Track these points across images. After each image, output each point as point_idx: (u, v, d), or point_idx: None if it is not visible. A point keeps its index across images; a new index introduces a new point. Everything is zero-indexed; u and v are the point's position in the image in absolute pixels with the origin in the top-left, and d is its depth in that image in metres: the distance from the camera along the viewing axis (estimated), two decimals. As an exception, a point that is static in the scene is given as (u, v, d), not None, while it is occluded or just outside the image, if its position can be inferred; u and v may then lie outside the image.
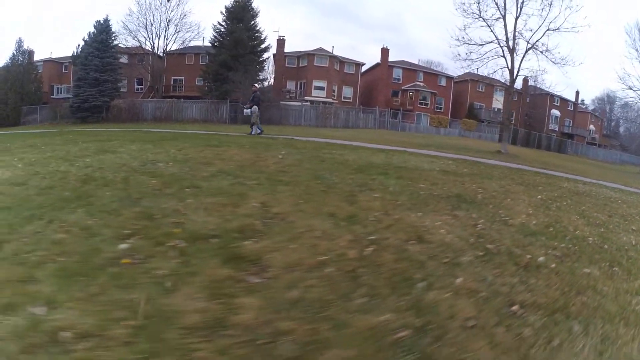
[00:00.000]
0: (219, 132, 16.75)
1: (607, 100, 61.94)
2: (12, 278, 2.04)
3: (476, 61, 18.68)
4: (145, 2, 36.82)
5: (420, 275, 2.55)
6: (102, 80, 29.49)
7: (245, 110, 17.25)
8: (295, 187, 4.61)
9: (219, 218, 3.19)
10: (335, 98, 35.33)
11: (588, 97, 67.40)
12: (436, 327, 1.98)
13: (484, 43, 18.35)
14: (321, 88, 34.37)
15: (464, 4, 18.30)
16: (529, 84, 38.25)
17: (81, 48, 35.30)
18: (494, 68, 20.17)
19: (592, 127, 52.35)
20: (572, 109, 49.85)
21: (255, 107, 16.08)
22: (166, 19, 34.65)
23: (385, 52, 37.83)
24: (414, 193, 5.05)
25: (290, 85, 34.74)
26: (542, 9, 17.70)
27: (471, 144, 23.43)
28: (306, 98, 33.30)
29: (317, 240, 2.92)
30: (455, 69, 42.43)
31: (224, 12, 31.87)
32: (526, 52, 18.38)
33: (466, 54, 18.62)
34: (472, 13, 18.17)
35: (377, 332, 1.88)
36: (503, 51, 18.47)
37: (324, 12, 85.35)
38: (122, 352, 1.57)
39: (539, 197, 6.37)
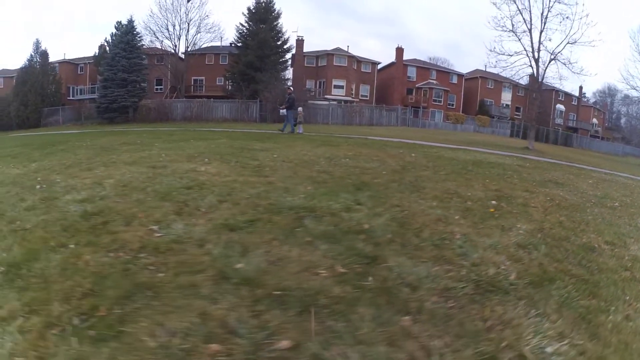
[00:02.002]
0: (263, 130, 17.86)
1: (608, 93, 63.69)
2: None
3: (506, 68, 20.81)
4: (166, 2, 37.52)
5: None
6: (130, 80, 30.04)
7: (281, 110, 18.53)
8: (486, 178, 6.28)
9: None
10: (354, 96, 36.45)
11: (589, 90, 69.37)
12: None
13: (512, 54, 20.32)
14: (340, 87, 35.47)
15: (499, 19, 20.51)
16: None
17: (105, 49, 35.97)
18: (520, 74, 22.44)
19: (595, 120, 54.02)
20: (575, 104, 51.44)
21: (300, 109, 17.53)
22: (187, 19, 35.38)
23: (400, 51, 39.02)
24: (530, 180, 6.79)
25: (310, 84, 35.71)
26: (561, 22, 19.77)
27: (495, 140, 24.77)
28: (326, 97, 34.36)
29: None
30: (463, 66, 43.90)
31: (246, 14, 32.77)
32: (549, 62, 20.39)
33: (496, 61, 20.81)
34: (503, 26, 20.31)
35: None
36: (530, 61, 20.44)
37: (321, 7, 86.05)
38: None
39: (590, 181, 8.37)
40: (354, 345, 1.62)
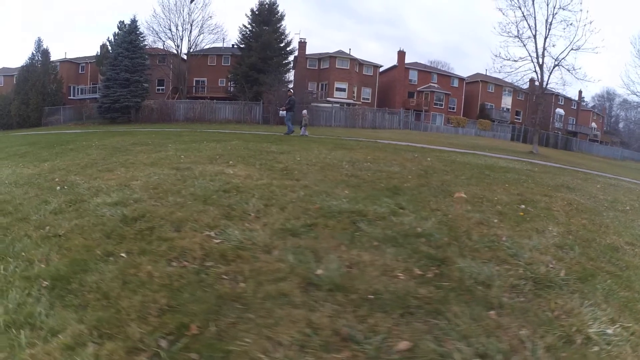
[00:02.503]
0: (269, 132, 17.85)
1: (607, 97, 64.19)
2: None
3: (511, 73, 21.05)
4: (169, 2, 37.49)
5: None
6: (133, 80, 29.92)
7: (281, 112, 18.60)
8: (504, 182, 6.41)
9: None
10: (356, 99, 36.53)
11: (588, 94, 70.06)
12: None
13: (517, 59, 20.60)
14: (342, 89, 35.54)
15: (505, 25, 20.93)
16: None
17: (107, 49, 35.84)
18: (524, 80, 22.85)
19: (593, 124, 54.39)
20: (575, 108, 51.78)
21: (305, 112, 17.59)
22: (189, 20, 35.36)
23: (401, 54, 39.15)
24: (544, 184, 7.05)
25: (312, 86, 35.75)
26: (565, 29, 20.42)
27: (498, 144, 24.88)
28: (328, 99, 34.40)
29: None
30: (463, 69, 44.22)
31: (249, 15, 32.79)
32: (553, 68, 20.64)
33: (500, 67, 21.24)
34: (509, 32, 20.62)
35: None
36: (535, 67, 20.68)
37: (322, 8, 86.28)
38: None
39: (597, 186, 8.56)
40: (461, 339, 1.75)
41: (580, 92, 52.65)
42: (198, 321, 1.73)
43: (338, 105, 31.50)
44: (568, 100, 49.83)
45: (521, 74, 21.46)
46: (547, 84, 21.13)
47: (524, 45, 20.53)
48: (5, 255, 2.58)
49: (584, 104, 56.99)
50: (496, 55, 21.27)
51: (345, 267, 2.24)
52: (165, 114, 29.76)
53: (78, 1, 78.24)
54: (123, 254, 2.48)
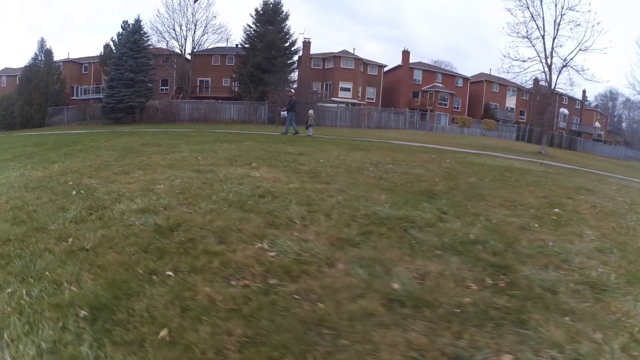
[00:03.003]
0: (278, 132, 17.72)
1: (610, 97, 64.00)
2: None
3: (520, 74, 21.06)
4: (173, 2, 37.39)
5: None
6: (138, 80, 29.75)
7: (282, 112, 18.44)
8: (528, 185, 6.40)
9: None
10: (360, 99, 36.37)
11: (591, 93, 69.86)
12: None
13: (526, 59, 20.57)
14: (347, 89, 35.37)
15: (514, 25, 20.70)
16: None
17: (111, 48, 35.69)
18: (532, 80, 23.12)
19: (597, 124, 54.24)
20: (579, 107, 51.59)
21: (311, 111, 17.43)
22: (193, 20, 35.25)
23: (406, 54, 38.98)
24: (564, 187, 7.05)
25: (316, 86, 35.59)
26: (572, 29, 20.22)
27: (506, 144, 24.77)
28: (333, 99, 34.25)
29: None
30: (464, 69, 44.19)
31: (253, 15, 32.66)
32: (562, 68, 20.60)
33: (509, 67, 21.01)
34: (518, 32, 20.56)
35: None
36: (543, 67, 20.65)
37: (322, 8, 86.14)
38: None
39: (613, 188, 8.56)
40: (552, 347, 1.76)
41: (584, 91, 52.43)
42: (290, 354, 1.53)
43: (343, 105, 31.35)
44: (572, 100, 49.64)
45: (530, 74, 21.66)
46: (555, 85, 21.08)
47: (533, 46, 20.52)
48: (26, 275, 2.17)
49: (587, 103, 56.79)
50: (505, 56, 21.43)
51: (417, 279, 2.16)
52: (169, 114, 29.62)
53: (78, 1, 78.17)
54: (169, 273, 2.20)
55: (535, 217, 4.26)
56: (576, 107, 51.22)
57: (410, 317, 1.77)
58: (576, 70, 20.22)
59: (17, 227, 3.07)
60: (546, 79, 21.07)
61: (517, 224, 3.63)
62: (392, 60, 72.81)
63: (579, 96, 50.57)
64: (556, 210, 4.83)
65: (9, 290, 2.00)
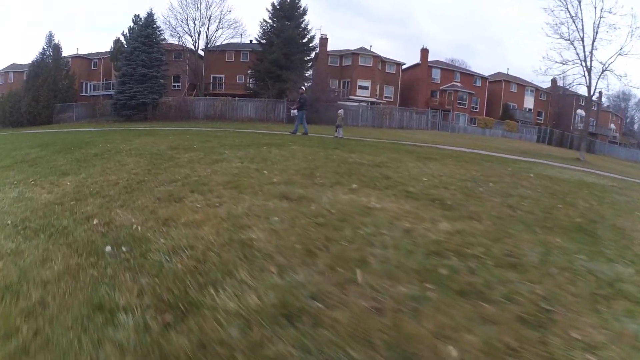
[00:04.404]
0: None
1: (622, 98, 62.89)
2: None
3: (559, 76, 21.54)
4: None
5: None
6: (151, 76, 28.69)
7: (292, 111, 17.38)
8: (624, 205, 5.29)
9: None
10: (378, 97, 35.37)
11: (603, 94, 68.61)
12: None
13: (567, 62, 20.16)
14: (365, 88, 34.39)
15: (554, 26, 20.11)
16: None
17: (122, 43, 34.65)
18: (574, 84, 22.92)
19: (612, 125, 53.18)
20: (595, 109, 50.44)
21: (341, 111, 16.34)
22: (207, 14, 34.24)
23: (424, 52, 38.00)
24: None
25: (333, 84, 34.61)
26: (607, 32, 21.04)
27: (534, 148, 23.84)
28: (351, 97, 33.27)
29: None
30: (475, 68, 43.10)
31: (269, 9, 31.65)
32: (602, 72, 20.11)
33: (546, 69, 21.02)
34: (561, 34, 20.07)
35: None
36: (583, 70, 20.13)
37: (330, 5, 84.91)
38: None
39: None
40: None
41: (600, 93, 51.23)
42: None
43: (364, 104, 30.37)
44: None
45: (572, 78, 21.46)
46: (595, 89, 20.50)
47: (574, 48, 20.01)
48: None
49: (602, 104, 55.60)
50: (543, 57, 22.64)
51: None
52: (184, 111, 28.62)
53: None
54: None
55: None
56: (593, 108, 50.06)
57: None
58: (618, 76, 19.87)
59: None
60: (586, 83, 20.49)
61: None
62: (404, 58, 71.59)
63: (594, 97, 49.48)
64: None
65: None
